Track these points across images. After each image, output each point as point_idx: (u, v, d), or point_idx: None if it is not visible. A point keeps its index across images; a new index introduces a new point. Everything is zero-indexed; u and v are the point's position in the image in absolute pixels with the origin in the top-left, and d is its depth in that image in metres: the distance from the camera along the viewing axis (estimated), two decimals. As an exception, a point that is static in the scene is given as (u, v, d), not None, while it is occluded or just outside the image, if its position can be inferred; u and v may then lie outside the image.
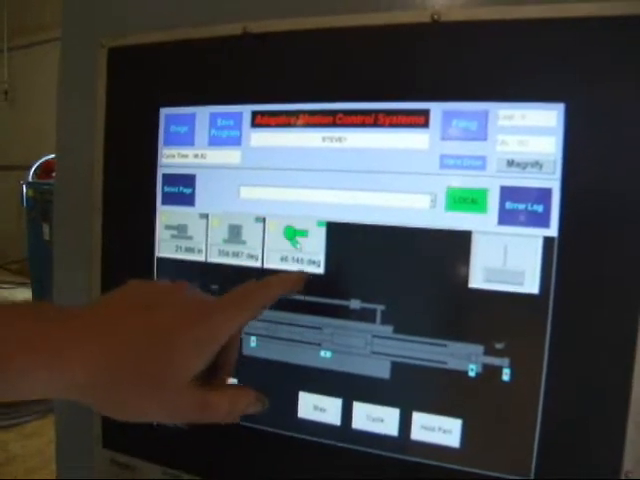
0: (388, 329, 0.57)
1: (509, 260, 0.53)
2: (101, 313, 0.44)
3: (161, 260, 0.68)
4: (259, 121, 0.62)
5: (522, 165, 0.52)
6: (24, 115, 6.41)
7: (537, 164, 0.52)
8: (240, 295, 0.48)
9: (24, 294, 4.96)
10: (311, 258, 0.60)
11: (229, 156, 0.63)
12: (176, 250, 0.67)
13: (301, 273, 0.55)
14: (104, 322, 0.43)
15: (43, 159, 4.41)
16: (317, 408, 0.61)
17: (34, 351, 0.41)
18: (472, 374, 0.55)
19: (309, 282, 0.58)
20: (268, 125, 0.61)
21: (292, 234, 0.60)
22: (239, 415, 0.49)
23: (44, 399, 0.46)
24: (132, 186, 0.70)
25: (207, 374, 0.47)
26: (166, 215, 0.67)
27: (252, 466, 0.66)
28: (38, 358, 0.41)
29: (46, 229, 3.88)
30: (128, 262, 0.70)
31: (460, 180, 0.54)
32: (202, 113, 0.64)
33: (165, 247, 0.67)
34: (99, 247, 0.72)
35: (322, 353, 0.60)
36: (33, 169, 4.38)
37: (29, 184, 4.14)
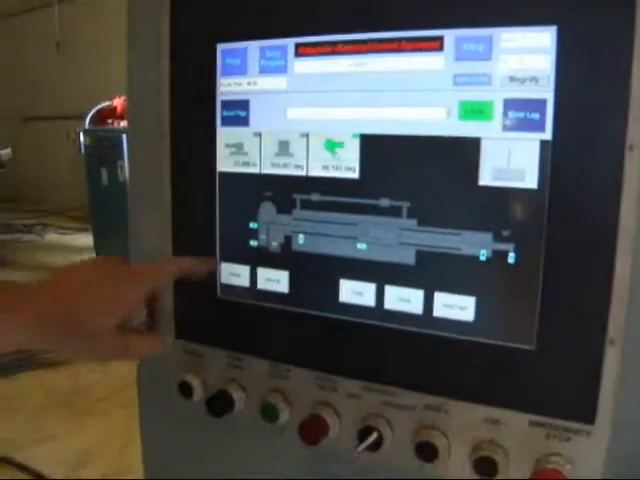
0: (413, 222, 0.67)
1: (512, 161, 0.62)
2: (44, 284, 0.62)
3: (222, 174, 0.78)
4: (302, 51, 0.71)
5: (521, 80, 0.61)
6: (76, 65, 6.51)
7: (534, 79, 0.60)
8: (150, 267, 0.67)
9: (85, 239, 5.14)
10: (347, 165, 0.69)
11: (277, 82, 0.73)
12: (234, 165, 0.77)
13: (210, 261, 0.75)
14: (44, 289, 0.61)
15: (98, 106, 4.53)
16: (355, 292, 0.71)
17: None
18: (483, 258, 0.64)
19: (347, 186, 0.69)
20: (309, 54, 0.70)
21: (332, 146, 0.70)
22: (154, 353, 0.70)
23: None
24: (195, 112, 0.80)
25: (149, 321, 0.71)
26: (225, 135, 0.77)
27: (302, 345, 0.76)
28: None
29: (104, 174, 4.02)
30: (194, 178, 0.81)
31: (470, 94, 0.63)
32: (253, 47, 0.74)
33: (225, 163, 0.77)
34: (168, 167, 0.82)
35: (358, 245, 0.70)
36: (89, 117, 4.51)
37: (86, 131, 4.27)
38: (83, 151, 4.27)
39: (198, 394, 0.83)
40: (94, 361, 0.74)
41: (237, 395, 0.80)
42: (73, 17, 6.48)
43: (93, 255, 4.43)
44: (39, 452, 2.25)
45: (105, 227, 4.10)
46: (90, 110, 4.56)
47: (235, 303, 0.80)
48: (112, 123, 4.39)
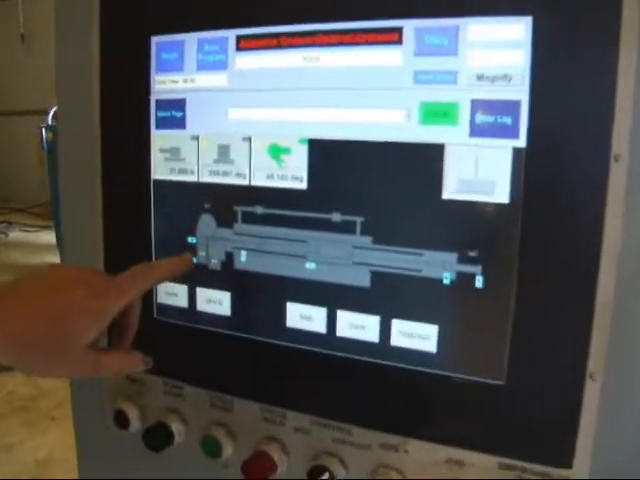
0: (367, 240, 0.60)
1: (480, 171, 0.55)
2: (20, 293, 0.55)
3: (157, 182, 0.71)
4: (243, 45, 0.64)
5: (491, 78, 0.54)
6: (41, 59, 6.37)
7: (506, 77, 0.53)
8: (130, 276, 0.59)
9: (49, 236, 5.05)
10: (294, 174, 0.63)
11: (216, 79, 0.66)
12: (170, 172, 0.70)
13: (185, 257, 0.65)
14: (22, 301, 0.54)
15: (61, 102, 4.40)
16: (304, 317, 0.65)
17: None
18: (447, 282, 0.58)
19: (294, 198, 0.62)
20: (251, 48, 0.63)
21: (276, 152, 0.63)
22: (128, 372, 0.66)
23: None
24: (128, 114, 0.73)
25: (115, 336, 0.62)
26: (160, 139, 0.70)
27: (246, 374, 0.70)
28: None
29: (66, 171, 3.92)
30: (126, 187, 0.74)
31: (433, 94, 0.56)
32: (190, 39, 0.67)
33: (160, 170, 0.70)
34: (99, 175, 0.75)
35: (307, 265, 0.64)
36: (52, 112, 4.39)
37: (48, 127, 4.16)
38: (46, 147, 4.16)
39: (135, 425, 0.77)
40: (60, 378, 0.68)
41: (177, 427, 0.74)
42: (38, 9, 6.34)
43: (56, 253, 4.34)
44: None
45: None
46: (53, 105, 4.44)
47: (173, 325, 0.73)
48: (76, 118, 4.29)
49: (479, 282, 0.57)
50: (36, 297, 0.55)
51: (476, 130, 0.55)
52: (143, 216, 0.72)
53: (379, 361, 0.62)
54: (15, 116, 6.66)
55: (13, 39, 6.62)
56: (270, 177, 0.64)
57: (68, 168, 0.83)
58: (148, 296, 0.71)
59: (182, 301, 0.72)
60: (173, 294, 0.72)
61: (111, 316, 0.57)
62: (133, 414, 0.76)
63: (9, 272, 4.51)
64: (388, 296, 0.61)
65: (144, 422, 0.76)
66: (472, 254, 0.57)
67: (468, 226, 0.57)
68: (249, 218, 0.66)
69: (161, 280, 0.63)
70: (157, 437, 0.73)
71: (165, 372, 0.74)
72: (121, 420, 0.77)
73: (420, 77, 0.57)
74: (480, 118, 0.55)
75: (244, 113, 0.65)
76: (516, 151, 0.54)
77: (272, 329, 0.67)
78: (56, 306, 0.54)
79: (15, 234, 5.91)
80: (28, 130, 5.99)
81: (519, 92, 0.53)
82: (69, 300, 0.54)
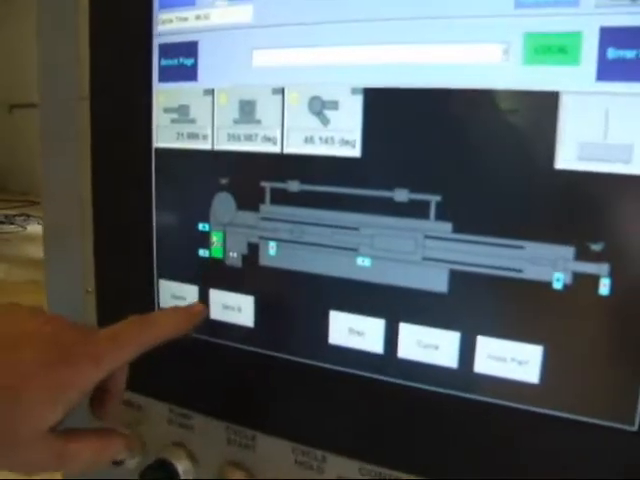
0: (445, 227, 0.46)
1: (612, 130, 0.41)
2: None
3: (159, 152, 0.57)
4: None
5: None
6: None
7: None
8: (116, 335, 0.46)
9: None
10: (344, 137, 0.49)
11: (238, 12, 0.51)
12: (177, 138, 0.56)
13: (196, 308, 0.53)
14: None
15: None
16: (353, 331, 0.51)
17: None
18: (558, 286, 0.43)
19: (342, 169, 0.49)
20: None
21: (319, 107, 0.49)
22: (107, 463, 0.49)
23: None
24: (123, 63, 0.59)
25: (96, 402, 0.48)
26: (164, 95, 0.56)
27: (274, 403, 0.57)
28: None
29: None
30: (121, 157, 0.60)
31: (543, 22, 0.42)
32: None
33: (164, 135, 0.57)
34: (88, 142, 0.62)
35: (359, 260, 0.50)
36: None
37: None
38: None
39: (133, 460, 0.63)
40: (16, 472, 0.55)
41: (183, 466, 0.61)
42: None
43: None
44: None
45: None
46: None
47: (179, 337, 0.58)
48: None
49: (604, 287, 0.42)
50: None
51: (606, 71, 0.40)
52: (142, 196, 0.59)
53: (458, 393, 0.48)
54: (34, 108, 6.73)
55: (34, 31, 6.70)
56: (310, 141, 0.50)
57: (49, 137, 0.70)
58: (148, 300, 0.60)
59: (191, 307, 0.59)
60: (180, 297, 0.59)
61: (82, 392, 0.43)
62: (129, 446, 0.63)
63: (25, 266, 4.51)
64: (473, 305, 0.47)
65: (143, 457, 0.63)
66: (595, 248, 0.42)
67: (592, 208, 0.42)
68: (281, 197, 0.52)
69: (159, 341, 0.49)
70: (158, 478, 0.60)
71: (169, 397, 0.61)
72: (115, 452, 0.64)
73: (524, -2, 0.42)
74: (613, 54, 0.40)
75: (275, 56, 0.51)
76: (666, 100, 0.39)
77: (309, 346, 0.53)
78: (7, 373, 0.41)
79: (33, 227, 5.96)
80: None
81: (673, 15, 0.38)
82: (20, 366, 0.41)
